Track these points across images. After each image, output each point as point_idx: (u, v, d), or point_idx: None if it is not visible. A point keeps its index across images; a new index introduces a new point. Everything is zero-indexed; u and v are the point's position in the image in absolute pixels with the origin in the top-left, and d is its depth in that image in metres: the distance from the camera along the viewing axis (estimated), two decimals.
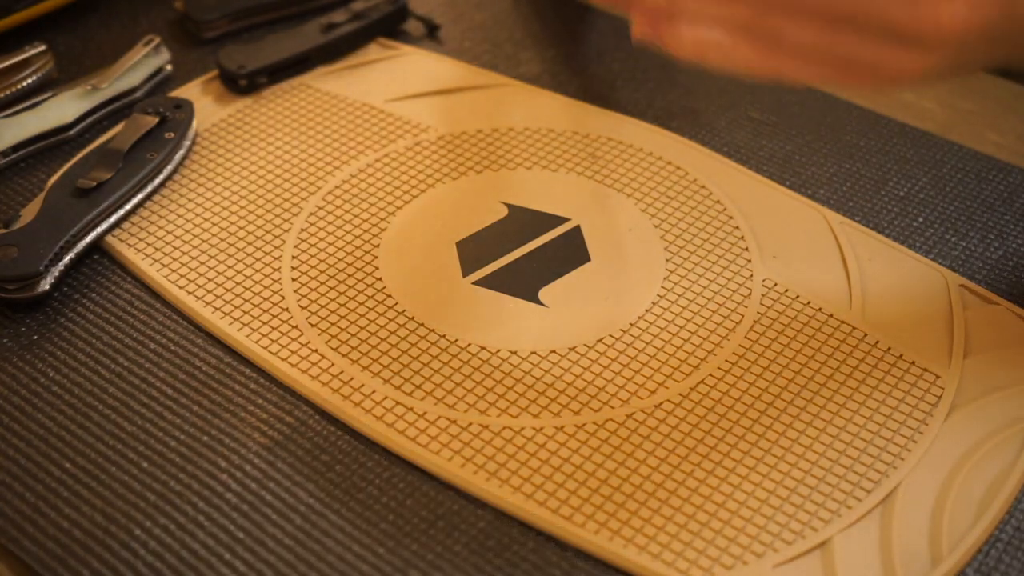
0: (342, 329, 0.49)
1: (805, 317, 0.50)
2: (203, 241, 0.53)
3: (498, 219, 0.54)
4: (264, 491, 0.43)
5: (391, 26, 0.68)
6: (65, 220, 0.51)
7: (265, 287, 0.51)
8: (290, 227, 0.54)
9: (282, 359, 0.47)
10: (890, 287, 0.51)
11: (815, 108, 0.63)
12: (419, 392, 0.46)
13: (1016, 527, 0.42)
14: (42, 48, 0.62)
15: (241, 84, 0.62)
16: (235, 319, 0.49)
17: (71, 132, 0.59)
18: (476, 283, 0.51)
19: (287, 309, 0.50)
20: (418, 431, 0.44)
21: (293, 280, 0.51)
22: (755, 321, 0.50)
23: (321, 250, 0.53)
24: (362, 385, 0.46)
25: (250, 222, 0.54)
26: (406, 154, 0.59)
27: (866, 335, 0.49)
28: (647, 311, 0.50)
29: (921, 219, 0.56)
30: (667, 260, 0.52)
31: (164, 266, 0.52)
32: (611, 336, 0.49)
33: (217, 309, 0.50)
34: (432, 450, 0.44)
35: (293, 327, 0.49)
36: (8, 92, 0.60)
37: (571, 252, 0.52)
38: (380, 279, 0.51)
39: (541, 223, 0.54)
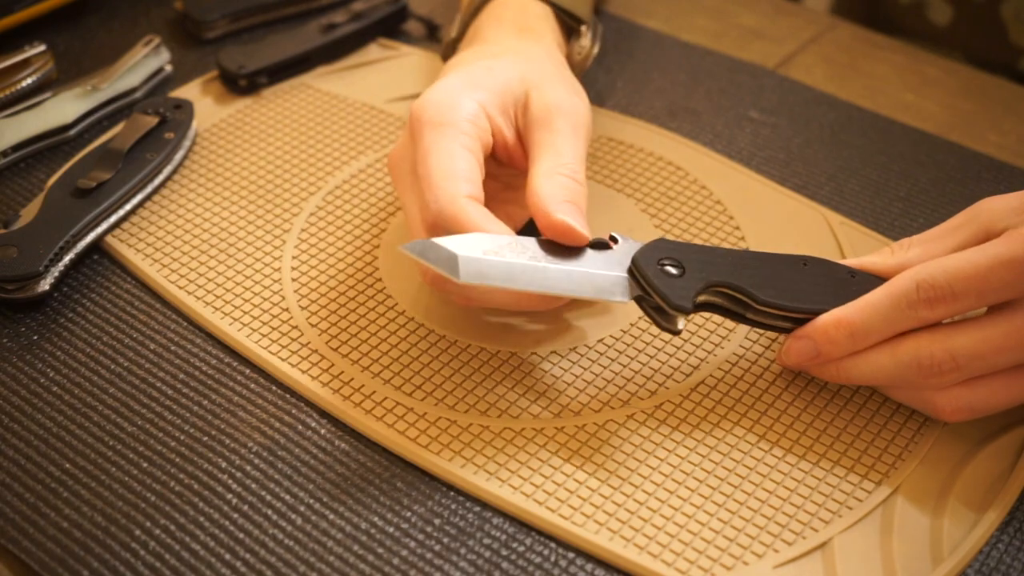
0: (342, 329, 0.49)
1: None
2: (203, 241, 0.53)
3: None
4: (264, 491, 0.43)
5: (391, 26, 0.68)
6: (65, 220, 0.51)
7: (265, 287, 0.51)
8: (290, 227, 0.54)
9: (282, 359, 0.47)
10: None
11: (816, 108, 0.63)
12: (419, 392, 0.46)
13: (1017, 529, 0.42)
14: (42, 48, 0.62)
15: (241, 84, 0.62)
16: (235, 319, 0.49)
17: (71, 132, 0.59)
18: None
19: (287, 309, 0.50)
20: (418, 431, 0.44)
21: (293, 280, 0.51)
22: None
23: (321, 250, 0.53)
24: (362, 386, 0.46)
25: (250, 222, 0.54)
26: None
27: None
28: None
29: (922, 220, 0.56)
30: None
31: (164, 266, 0.52)
32: (611, 336, 0.49)
33: (217, 309, 0.50)
34: (432, 450, 0.44)
35: (293, 327, 0.49)
36: (8, 92, 0.60)
37: None
38: (380, 279, 0.51)
39: None
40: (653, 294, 0.43)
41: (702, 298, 0.44)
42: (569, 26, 0.58)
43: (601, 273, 0.44)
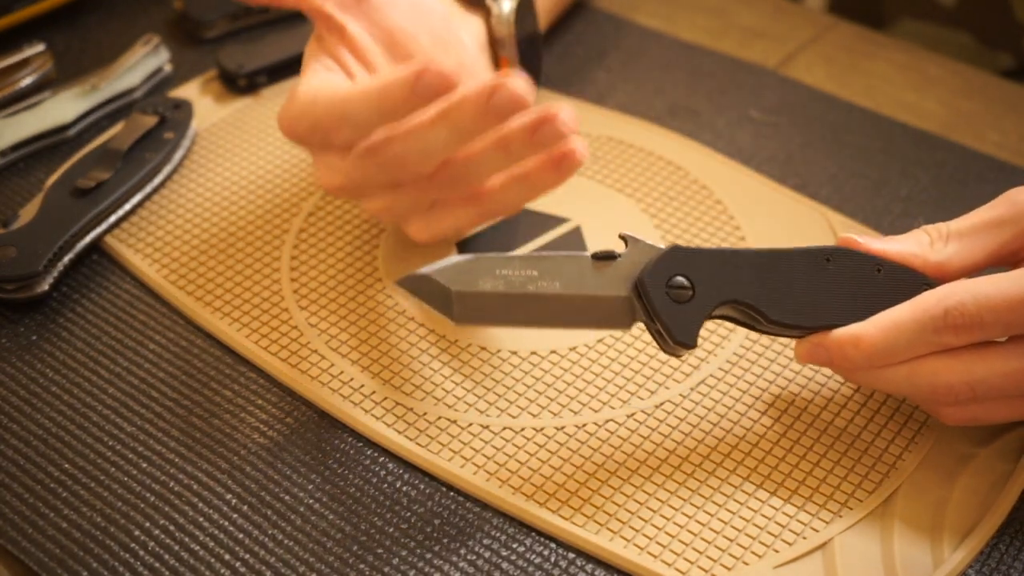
0: (342, 329, 0.49)
1: None
2: (202, 241, 0.53)
3: (498, 219, 0.54)
4: (264, 492, 0.42)
5: None
6: (64, 220, 0.51)
7: (264, 287, 0.51)
8: (289, 227, 0.54)
9: (282, 359, 0.47)
10: None
11: (816, 108, 0.63)
12: (419, 392, 0.46)
13: (1018, 530, 0.42)
14: (41, 48, 0.62)
15: (241, 84, 0.62)
16: (235, 319, 0.49)
17: (70, 132, 0.59)
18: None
19: (287, 309, 0.50)
20: (418, 431, 0.44)
21: (292, 280, 0.51)
22: None
23: (321, 250, 0.53)
24: (362, 385, 0.46)
25: (249, 222, 0.54)
26: None
27: None
28: None
29: (923, 219, 0.55)
30: None
31: (163, 266, 0.52)
32: (612, 336, 0.49)
33: (216, 309, 0.50)
34: (432, 450, 0.44)
35: (293, 327, 0.49)
36: (7, 92, 0.60)
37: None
38: (380, 279, 0.51)
39: (541, 223, 0.54)
40: (657, 323, 0.42)
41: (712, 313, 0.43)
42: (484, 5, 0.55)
43: (605, 296, 0.42)
